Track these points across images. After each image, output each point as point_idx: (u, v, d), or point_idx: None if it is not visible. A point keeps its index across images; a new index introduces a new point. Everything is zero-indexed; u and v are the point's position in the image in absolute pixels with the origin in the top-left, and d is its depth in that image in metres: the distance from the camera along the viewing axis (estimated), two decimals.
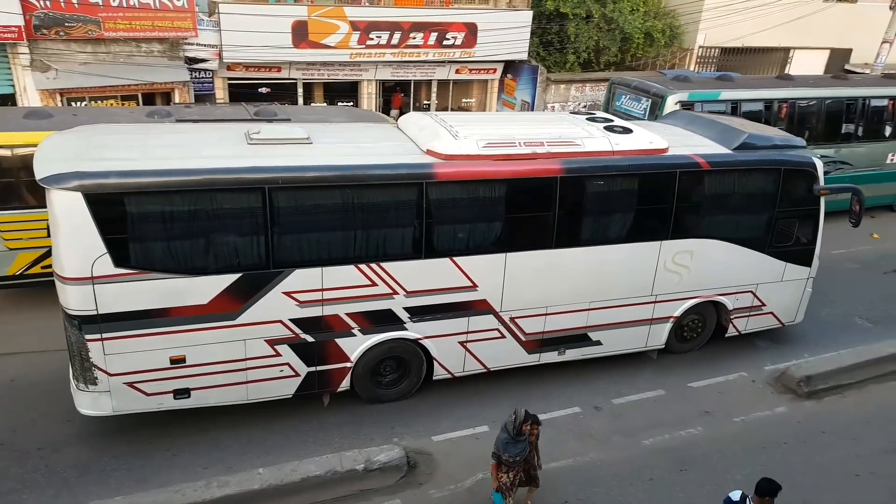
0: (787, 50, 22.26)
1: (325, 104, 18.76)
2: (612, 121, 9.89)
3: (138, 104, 15.73)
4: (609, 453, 8.68)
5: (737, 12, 19.18)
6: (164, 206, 7.34)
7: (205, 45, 17.00)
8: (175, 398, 8.16)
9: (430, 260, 8.46)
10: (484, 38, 18.48)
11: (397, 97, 20.40)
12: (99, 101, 15.38)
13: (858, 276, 13.86)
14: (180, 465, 8.11)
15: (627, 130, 9.42)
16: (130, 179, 7.17)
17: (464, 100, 20.96)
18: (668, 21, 20.18)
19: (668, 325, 10.22)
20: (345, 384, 8.93)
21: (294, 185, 7.70)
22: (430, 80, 19.71)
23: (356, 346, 8.68)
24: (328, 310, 8.31)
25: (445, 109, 20.43)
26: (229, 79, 18.12)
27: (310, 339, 8.41)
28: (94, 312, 7.36)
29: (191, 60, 16.94)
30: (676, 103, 14.15)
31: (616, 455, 8.66)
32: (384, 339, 8.77)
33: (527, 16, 18.71)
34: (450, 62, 19.08)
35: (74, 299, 7.31)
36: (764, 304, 10.65)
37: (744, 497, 6.25)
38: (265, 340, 8.21)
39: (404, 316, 8.71)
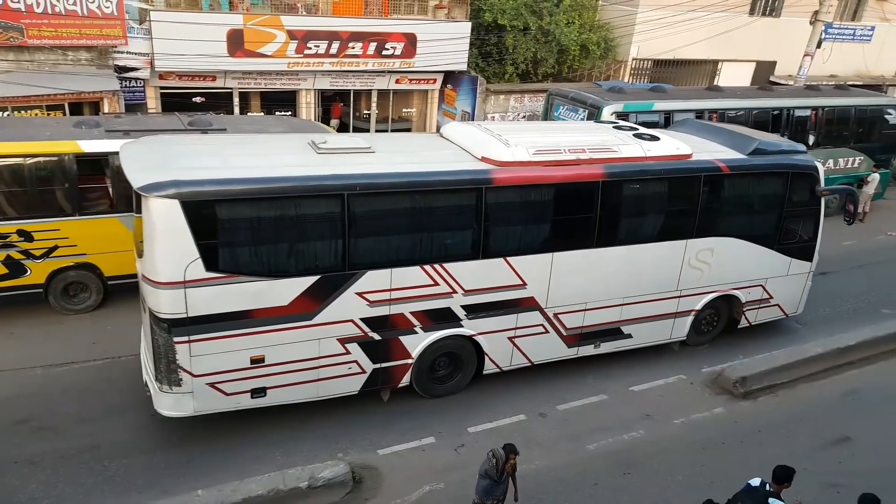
0: (715, 62, 23.14)
1: (262, 114, 18.45)
2: (636, 129, 10.62)
3: (65, 114, 15.10)
4: (555, 460, 8.75)
5: (667, 26, 19.85)
6: (252, 212, 7.70)
7: (135, 54, 16.47)
8: (252, 397, 8.42)
9: (486, 260, 8.96)
10: (423, 49, 18.55)
11: (337, 107, 20.24)
12: (23, 111, 14.70)
13: None
14: (114, 492, 7.76)
15: (655, 138, 10.09)
16: (223, 187, 7.50)
17: (404, 110, 20.97)
18: (602, 34, 20.71)
19: (690, 319, 10.91)
20: (405, 380, 9.33)
21: (370, 191, 8.12)
22: (371, 89, 19.64)
23: (417, 343, 9.10)
24: (394, 309, 8.73)
25: (386, 120, 20.38)
26: (162, 88, 17.61)
27: (377, 337, 8.81)
28: (184, 315, 7.59)
29: (121, 69, 16.38)
30: (612, 114, 14.50)
31: (562, 461, 8.74)
32: (443, 336, 9.20)
33: (465, 27, 18.89)
34: (390, 72, 19.07)
35: (166, 303, 7.53)
36: (771, 297, 11.40)
37: (763, 483, 6.61)
38: (337, 339, 8.58)
39: (461, 313, 9.18)
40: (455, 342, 9.36)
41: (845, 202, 11.21)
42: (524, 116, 19.49)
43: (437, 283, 8.80)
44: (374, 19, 18.62)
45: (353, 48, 18.15)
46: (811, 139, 17.23)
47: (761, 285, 11.21)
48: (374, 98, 19.86)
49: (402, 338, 8.98)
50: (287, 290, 8.04)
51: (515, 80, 20.54)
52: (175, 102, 17.02)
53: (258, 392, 8.41)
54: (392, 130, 20.61)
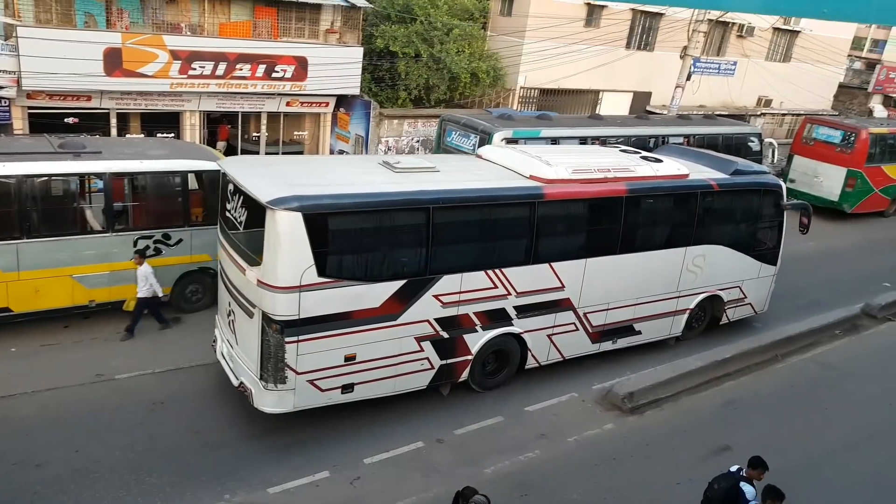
0: (597, 92, 24.31)
1: (142, 135, 17.48)
2: (639, 152, 12.10)
3: None
4: (453, 486, 8.58)
5: (551, 58, 20.67)
6: (356, 223, 8.63)
7: (0, 72, 15.22)
8: (342, 393, 9.10)
9: (535, 265, 10.09)
10: (315, 73, 18.29)
11: (224, 129, 19.54)
12: None
13: None
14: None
15: (659, 160, 11.55)
16: (336, 202, 8.41)
17: (296, 133, 20.55)
18: (491, 63, 21.26)
19: (686, 316, 12.36)
20: (464, 375, 10.22)
21: (449, 205, 9.16)
22: (260, 112, 19.11)
23: (477, 340, 10.02)
24: (462, 309, 9.66)
25: (276, 143, 19.89)
26: (30, 108, 16.34)
27: (445, 335, 9.67)
28: (296, 317, 8.31)
29: None
30: (502, 140, 14.82)
31: (460, 487, 8.63)
32: (497, 334, 10.17)
33: (357, 52, 18.82)
34: (280, 95, 18.65)
35: (282, 306, 8.25)
36: (746, 297, 13.05)
37: (739, 469, 7.36)
38: (414, 338, 9.39)
39: (513, 313, 10.21)
40: (505, 339, 10.36)
41: (800, 215, 13.10)
42: (418, 141, 19.60)
43: (496, 287, 9.85)
44: (262, 41, 18.19)
45: (241, 70, 17.63)
46: None
47: (739, 286, 12.82)
48: (264, 120, 19.34)
49: (465, 336, 9.91)
50: (380, 293, 8.89)
51: (409, 105, 20.65)
52: (45, 123, 15.81)
53: (347, 388, 9.14)
54: (283, 153, 20.14)
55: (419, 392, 10.29)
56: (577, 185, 10.25)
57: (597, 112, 23.06)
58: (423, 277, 9.15)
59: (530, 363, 10.86)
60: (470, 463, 9.06)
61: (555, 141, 15.71)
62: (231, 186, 9.39)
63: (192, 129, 18.31)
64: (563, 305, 10.66)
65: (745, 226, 12.50)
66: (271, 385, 8.57)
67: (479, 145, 15.10)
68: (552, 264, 10.23)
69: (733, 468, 7.42)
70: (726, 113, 26.01)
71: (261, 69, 17.81)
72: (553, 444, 9.68)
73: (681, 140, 18.21)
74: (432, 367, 9.76)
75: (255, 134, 19.71)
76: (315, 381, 8.82)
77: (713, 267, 12.13)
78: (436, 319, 9.45)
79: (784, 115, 29.34)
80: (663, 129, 18.26)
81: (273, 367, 8.48)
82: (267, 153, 19.63)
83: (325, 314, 8.51)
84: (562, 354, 11.11)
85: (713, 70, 26.39)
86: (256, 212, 8.44)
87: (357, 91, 19.02)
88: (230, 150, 19.11)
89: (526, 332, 10.46)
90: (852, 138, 21.91)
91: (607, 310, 11.19)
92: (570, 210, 10.41)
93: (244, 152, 19.45)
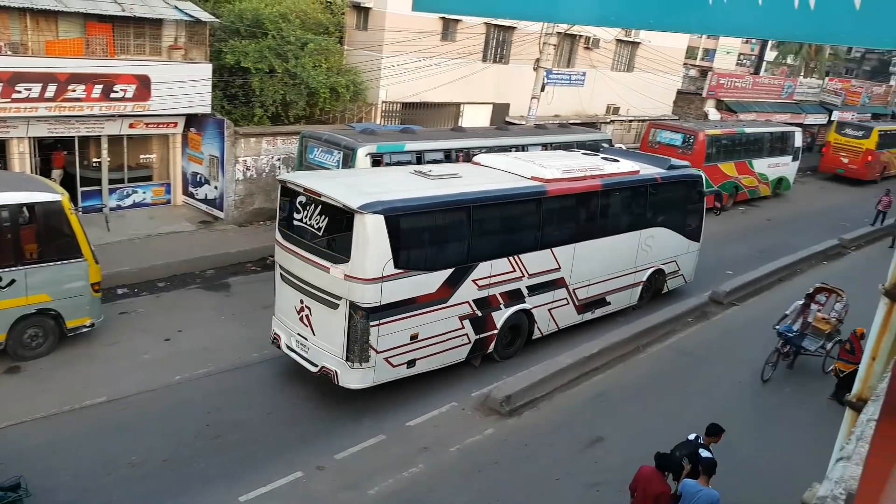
0: (458, 104, 25.08)
1: None
2: (598, 154, 15.09)
3: None
4: None
5: (410, 72, 21.12)
6: (420, 222, 10.58)
7: None
8: (407, 368, 10.85)
9: (541, 251, 12.42)
10: (160, 91, 17.51)
11: (59, 156, 18.20)
12: None
13: None
14: None
15: (615, 160, 14.46)
16: (406, 205, 10.24)
17: (142, 156, 19.55)
18: (350, 77, 21.37)
19: (640, 288, 15.19)
20: (491, 347, 12.19)
21: (483, 203, 11.36)
22: (100, 135, 18.00)
23: (501, 317, 12.09)
24: (491, 291, 11.71)
25: (121, 167, 18.83)
26: None
27: (479, 313, 11.65)
28: (378, 304, 10.01)
29: None
30: (366, 155, 14.94)
31: None
32: (514, 311, 12.30)
33: (206, 69, 18.23)
34: (121, 116, 17.68)
35: (369, 295, 9.94)
36: (679, 269, 16.15)
37: (697, 437, 8.44)
38: (458, 317, 11.33)
39: (525, 292, 12.40)
40: (519, 315, 12.49)
41: (715, 199, 17.71)
42: (278, 159, 19.27)
43: (514, 270, 12.04)
44: (97, 60, 17.16)
45: (75, 91, 16.53)
46: None
47: (675, 261, 15.92)
48: (105, 144, 18.23)
49: (493, 313, 11.92)
50: (436, 280, 10.78)
51: (266, 122, 20.27)
52: None
53: (411, 363, 10.91)
54: (129, 179, 19.07)
55: (297, 419, 10.13)
56: (567, 183, 12.82)
57: (459, 124, 23.77)
58: (466, 265, 11.24)
59: (536, 334, 13.04)
60: (352, 487, 9.04)
61: (419, 154, 16.05)
62: (302, 198, 10.80)
63: (20, 157, 16.91)
64: (559, 284, 13.08)
65: (678, 210, 15.67)
66: (357, 364, 10.24)
67: (344, 161, 15.16)
68: (552, 249, 12.65)
69: (691, 436, 8.48)
70: (579, 121, 27.71)
71: (97, 89, 16.80)
72: (436, 456, 9.87)
73: (539, 148, 19.21)
74: (469, 342, 11.76)
75: (95, 159, 18.53)
76: (389, 359, 10.58)
77: (658, 246, 15.12)
78: (473, 300, 11.51)
79: (631, 121, 31.69)
80: (522, 138, 19.17)
81: (359, 349, 10.15)
82: (111, 179, 18.53)
83: (398, 300, 10.34)
84: (557, 325, 13.47)
85: (565, 81, 28.06)
86: (338, 217, 10.18)
87: (208, 109, 18.42)
88: (68, 178, 17.84)
89: (534, 307, 12.72)
90: (691, 140, 24.14)
91: (588, 286, 13.73)
92: (563, 203, 12.85)
93: (84, 180, 18.23)
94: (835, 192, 32.10)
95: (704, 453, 8.02)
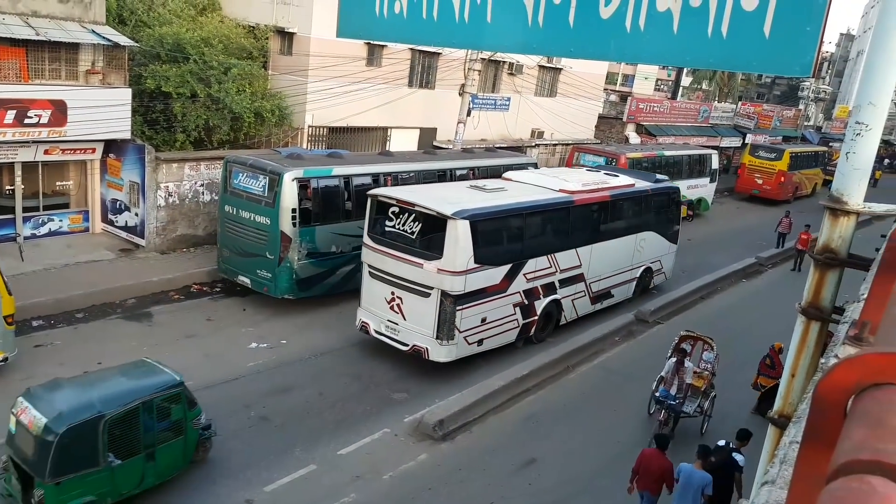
0: (385, 129, 25.10)
1: None
2: (599, 170, 19.28)
3: None
4: None
5: (337, 96, 20.99)
6: (491, 226, 13.14)
7: None
8: (477, 346, 13.17)
9: (568, 251, 14.96)
10: (77, 117, 16.74)
11: None
12: None
13: None
14: None
15: (616, 175, 17.76)
16: (483, 213, 12.76)
17: (59, 182, 18.62)
18: (276, 102, 21.06)
19: (634, 283, 17.84)
20: (532, 332, 14.50)
21: (532, 212, 14.08)
22: (13, 162, 17.05)
23: (540, 305, 14.48)
24: (534, 283, 14.13)
25: (36, 195, 17.86)
26: None
27: (525, 302, 14.03)
28: (462, 292, 12.42)
29: None
30: (293, 180, 14.70)
31: None
32: (549, 301, 14.69)
33: (125, 93, 17.58)
34: (36, 142, 16.81)
35: (457, 285, 12.33)
36: (662, 268, 18.92)
37: (727, 442, 9.17)
38: (512, 304, 13.69)
39: (557, 285, 14.86)
40: (552, 304, 14.87)
41: (688, 208, 21.11)
42: (202, 185, 18.70)
43: (551, 266, 14.54)
44: (10, 85, 16.32)
45: None
46: None
47: (659, 260, 18.62)
48: (19, 171, 17.27)
49: (535, 302, 14.32)
50: (499, 273, 13.23)
51: (189, 147, 19.68)
52: None
53: (480, 342, 13.24)
54: (44, 207, 18.10)
55: (225, 452, 9.72)
56: (587, 194, 15.53)
57: (387, 148, 23.75)
58: (520, 262, 13.69)
59: (563, 321, 15.44)
60: None
61: (347, 179, 15.90)
62: (395, 209, 13.09)
63: None
64: (580, 279, 15.57)
65: (663, 217, 18.46)
66: (445, 342, 12.57)
67: (269, 186, 14.86)
68: (576, 249, 15.16)
69: (721, 442, 9.20)
70: (505, 145, 28.16)
71: (10, 115, 15.92)
72: (369, 484, 9.64)
73: (466, 172, 19.39)
74: (518, 326, 14.08)
75: (9, 187, 17.52)
76: (466, 338, 12.89)
77: (648, 247, 17.83)
78: (522, 291, 13.90)
79: (555, 144, 32.48)
80: (450, 162, 19.29)
81: (447, 329, 12.51)
82: (25, 207, 17.54)
83: (474, 290, 12.73)
84: (577, 314, 15.91)
85: (490, 106, 28.54)
86: (430, 223, 12.67)
87: (127, 135, 17.74)
88: None
89: (563, 298, 15.15)
90: (614, 163, 24.86)
91: (599, 280, 16.23)
92: (584, 212, 15.49)
93: None
94: (751, 211, 33.63)
95: (738, 457, 8.92)
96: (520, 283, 13.77)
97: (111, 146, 18.34)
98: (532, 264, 14.00)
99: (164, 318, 14.44)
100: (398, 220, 13.08)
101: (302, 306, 15.32)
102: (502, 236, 13.62)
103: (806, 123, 54.49)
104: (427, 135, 26.64)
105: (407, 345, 12.90)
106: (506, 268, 13.40)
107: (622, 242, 16.77)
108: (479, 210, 12.77)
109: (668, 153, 28.18)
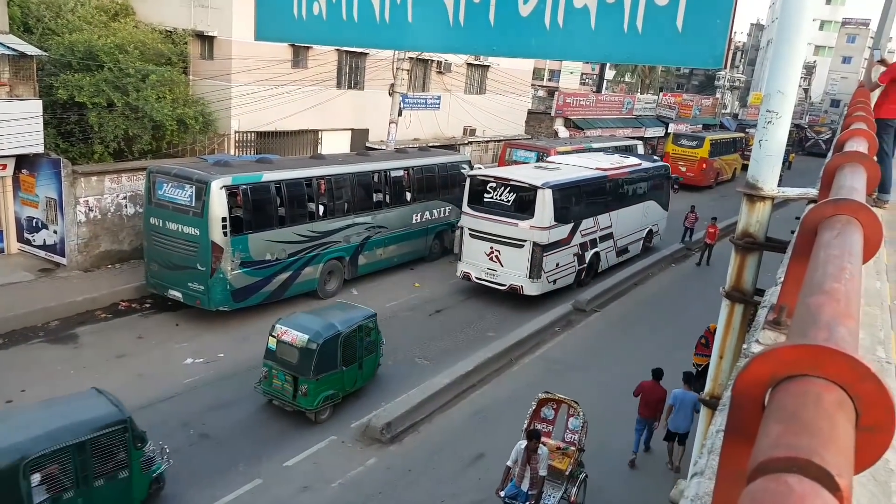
0: (316, 132, 24.76)
1: None
2: (615, 153, 25.10)
3: None
4: None
5: (263, 100, 20.58)
6: (566, 193, 17.62)
7: None
8: (553, 284, 17.64)
9: (604, 214, 19.46)
10: None
11: None
12: None
13: (411, 322, 15.94)
14: None
15: (628, 156, 23.53)
16: (559, 184, 17.41)
17: None
18: (199, 108, 20.47)
19: (641, 242, 22.63)
20: (583, 277, 19.02)
21: (587, 184, 18.96)
22: None
23: (587, 256, 19.04)
24: (585, 238, 18.68)
25: None
26: None
27: (580, 252, 18.60)
28: (547, 242, 16.88)
29: None
30: (222, 188, 14.32)
31: None
32: (593, 252, 19.25)
33: (35, 105, 16.73)
34: None
35: (544, 237, 16.80)
36: (658, 230, 23.84)
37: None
38: (572, 254, 18.28)
39: (598, 241, 19.37)
40: (594, 256, 19.40)
41: (673, 183, 25.89)
42: (125, 197, 17.99)
43: (595, 226, 19.08)
44: None
45: None
46: (408, 196, 19.53)
47: (657, 223, 23.64)
48: None
49: (585, 253, 18.83)
50: (566, 229, 17.71)
51: (108, 159, 18.91)
52: None
53: (554, 282, 17.66)
54: None
55: (170, 469, 9.37)
56: (615, 171, 20.47)
57: (318, 152, 23.44)
58: (578, 221, 18.20)
59: (600, 269, 19.90)
60: None
61: (278, 185, 15.60)
62: (493, 184, 17.33)
63: None
64: (610, 236, 20.13)
65: (659, 189, 23.37)
66: (535, 280, 16.92)
67: (196, 196, 14.43)
68: (609, 213, 19.73)
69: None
70: (438, 144, 28.23)
71: None
72: (317, 493, 9.50)
73: (401, 174, 19.34)
74: (575, 272, 18.63)
75: None
76: (547, 277, 17.29)
77: (650, 213, 22.81)
78: (579, 244, 18.45)
79: (487, 141, 32.77)
80: (384, 163, 19.19)
81: (536, 270, 16.86)
82: None
83: (553, 241, 17.13)
84: (608, 263, 20.30)
85: (421, 105, 28.51)
86: (522, 193, 16.99)
87: (40, 149, 16.89)
88: None
89: (601, 251, 19.74)
90: (545, 157, 25.19)
91: (621, 238, 20.86)
92: (614, 184, 20.25)
93: None
94: (676, 199, 34.42)
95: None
96: (577, 238, 18.43)
97: (23, 161, 17.45)
98: (584, 224, 18.65)
99: (91, 339, 13.85)
100: (495, 192, 17.37)
101: (238, 317, 14.99)
102: (570, 201, 18.01)
103: (723, 111, 56.51)
104: (359, 136, 26.42)
105: (504, 284, 17.30)
106: (570, 225, 17.99)
107: (635, 209, 21.68)
108: (556, 182, 17.44)
109: (595, 145, 28.82)
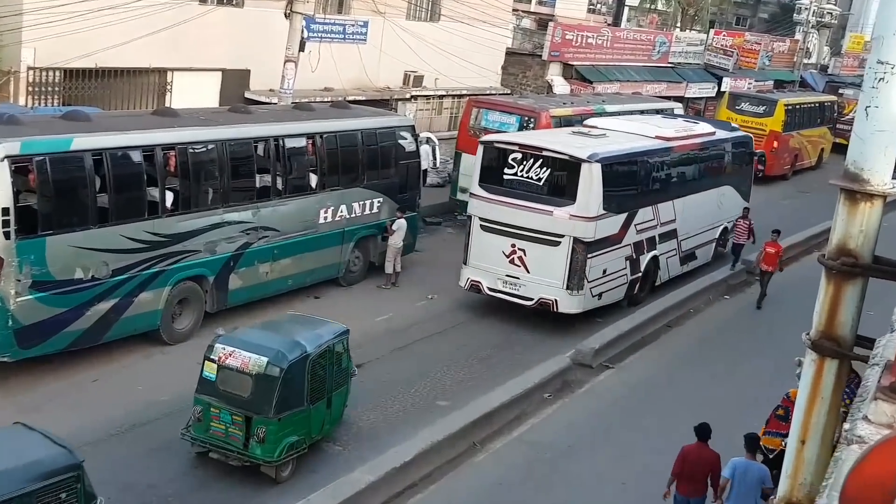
0: (164, 72, 24.41)
1: None
2: (678, 117, 28.51)
3: None
4: None
5: (73, 17, 20.04)
6: (616, 172, 19.64)
7: None
8: (597, 300, 19.63)
9: (666, 202, 21.82)
10: None
11: None
12: None
13: None
14: None
15: (697, 121, 27.19)
16: (611, 157, 19.48)
17: None
18: None
19: (713, 245, 25.31)
20: (637, 291, 21.34)
21: (647, 157, 21.27)
22: None
23: (643, 261, 21.29)
24: (641, 236, 20.92)
25: None
26: None
27: (634, 256, 20.86)
28: (594, 239, 18.74)
29: None
30: (3, 159, 13.89)
31: None
32: (650, 257, 21.44)
33: None
34: None
35: (590, 231, 18.60)
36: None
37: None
38: (623, 257, 20.46)
39: (657, 240, 21.63)
40: (651, 262, 21.62)
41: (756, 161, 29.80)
42: None
43: (653, 219, 21.26)
44: None
45: None
46: (314, 179, 19.29)
47: (734, 220, 25.26)
48: None
49: (640, 257, 21.05)
50: (618, 222, 19.71)
51: None
52: None
53: (600, 296, 19.71)
54: None
55: None
56: (681, 141, 22.68)
57: (167, 104, 23.08)
58: (633, 210, 20.24)
59: (657, 282, 22.28)
60: None
61: (97, 156, 15.20)
62: (517, 154, 19.08)
63: None
64: (673, 234, 22.57)
65: (738, 170, 26.54)
66: (575, 292, 18.41)
67: None
68: (672, 202, 22.21)
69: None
70: (364, 98, 28.22)
71: None
72: None
73: (303, 144, 19.13)
74: (626, 283, 20.69)
75: None
76: (591, 289, 18.77)
77: (727, 203, 25.17)
78: (633, 244, 20.46)
79: (442, 96, 32.92)
80: (274, 126, 18.97)
81: (577, 278, 18.32)
82: None
83: (601, 237, 18.70)
84: (669, 274, 22.99)
85: (337, 35, 28.46)
86: (560, 168, 18.81)
87: None
88: None
89: (660, 255, 21.95)
90: (531, 125, 25.40)
91: (687, 238, 23.39)
92: (680, 160, 22.71)
93: None
94: None
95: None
96: (631, 235, 20.15)
97: None
98: (640, 215, 20.41)
99: None
100: (521, 166, 18.78)
101: (30, 372, 14.68)
102: (623, 182, 19.80)
103: (806, 61, 58.04)
104: (235, 81, 26.31)
105: (532, 299, 18.68)
106: (622, 217, 19.69)
107: (707, 197, 23.71)
108: (607, 154, 19.03)
109: (611, 108, 29.19)
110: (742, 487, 10.85)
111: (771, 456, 12.97)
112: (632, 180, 20.24)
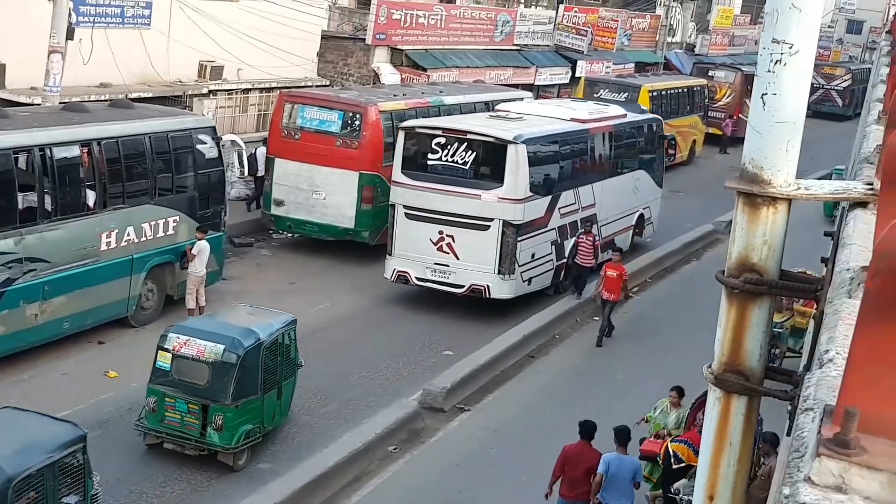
0: None
1: None
2: (588, 101, 33.95)
3: None
4: None
5: None
6: (541, 153, 24.44)
7: None
8: (527, 285, 23.45)
9: (586, 186, 26.10)
10: None
11: None
12: None
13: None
14: None
15: (608, 104, 32.63)
16: (536, 138, 24.07)
17: None
18: None
19: (630, 232, 29.30)
20: (561, 276, 25.17)
21: (568, 140, 26.20)
22: None
23: (567, 246, 25.03)
24: (564, 220, 25.01)
25: None
26: None
27: (559, 240, 24.80)
28: (522, 221, 22.49)
29: None
30: None
31: None
32: (574, 242, 24.89)
33: None
34: None
35: (519, 213, 22.33)
36: (651, 217, 30.50)
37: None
38: (549, 241, 24.47)
39: (578, 224, 25.37)
40: (573, 248, 24.72)
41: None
42: None
43: (575, 203, 25.23)
44: None
45: None
46: (92, 196, 18.75)
47: (649, 206, 30.11)
48: None
49: (564, 242, 24.79)
50: (544, 205, 23.52)
51: None
52: None
53: (529, 281, 23.34)
54: None
55: None
56: (596, 123, 26.44)
57: None
58: (557, 193, 23.80)
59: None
60: None
61: None
62: (441, 139, 22.35)
63: None
64: (593, 220, 25.47)
65: (650, 155, 30.38)
66: (507, 276, 21.74)
67: None
68: (592, 185, 26.06)
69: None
70: (151, 95, 27.66)
71: None
72: None
73: (76, 154, 18.56)
74: (552, 269, 24.22)
75: None
76: (522, 273, 22.17)
77: (642, 188, 29.36)
78: (557, 227, 23.87)
79: (247, 90, 32.57)
80: (38, 132, 18.38)
81: (509, 262, 21.63)
82: None
83: (528, 220, 22.17)
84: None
85: (114, 19, 27.77)
86: (486, 150, 22.67)
87: None
88: None
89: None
90: (357, 121, 25.43)
91: (606, 223, 26.67)
92: (597, 143, 26.58)
93: None
94: None
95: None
96: (556, 219, 23.31)
97: None
98: (563, 198, 23.65)
99: None
100: (444, 151, 21.64)
101: None
102: (547, 164, 23.07)
103: (670, 40, 59.84)
104: None
105: (462, 286, 21.51)
106: (548, 199, 22.93)
107: (623, 181, 27.63)
108: (531, 135, 22.30)
109: (449, 100, 29.52)
110: (616, 481, 12.49)
111: (674, 466, 13.27)
112: (555, 162, 23.74)
